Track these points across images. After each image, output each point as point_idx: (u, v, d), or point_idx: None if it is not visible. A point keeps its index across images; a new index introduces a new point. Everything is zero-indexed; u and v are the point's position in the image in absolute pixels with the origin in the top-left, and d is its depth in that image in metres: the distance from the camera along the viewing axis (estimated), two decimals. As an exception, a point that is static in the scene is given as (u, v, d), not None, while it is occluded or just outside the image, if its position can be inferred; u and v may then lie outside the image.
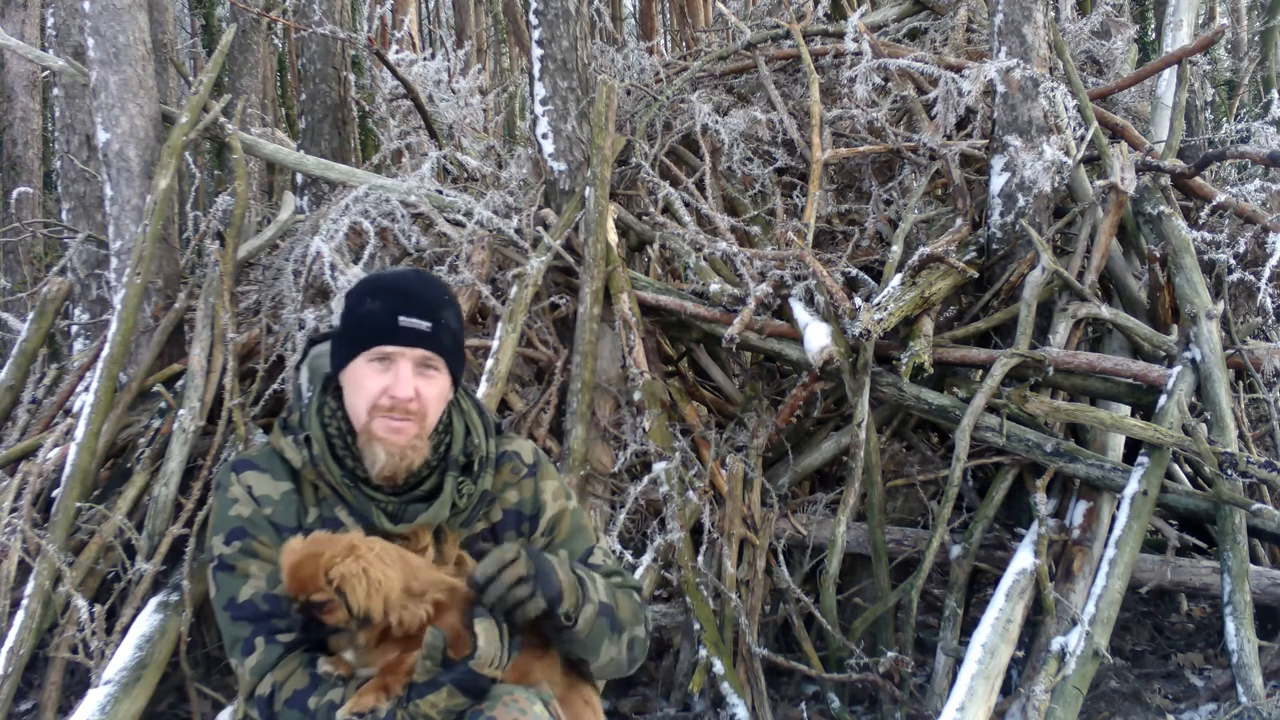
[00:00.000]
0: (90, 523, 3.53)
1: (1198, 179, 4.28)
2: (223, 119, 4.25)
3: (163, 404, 3.80)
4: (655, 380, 3.90)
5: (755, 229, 4.63)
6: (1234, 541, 3.37)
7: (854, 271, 4.14)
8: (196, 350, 3.75)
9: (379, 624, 1.74)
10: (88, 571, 3.43)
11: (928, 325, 3.81)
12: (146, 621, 3.28)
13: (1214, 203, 4.15)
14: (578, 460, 3.68)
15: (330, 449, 1.92)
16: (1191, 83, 5.03)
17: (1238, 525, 3.41)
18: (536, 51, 4.34)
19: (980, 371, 3.79)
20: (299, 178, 5.46)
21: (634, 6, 13.32)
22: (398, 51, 5.46)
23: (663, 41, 12.45)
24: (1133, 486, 3.42)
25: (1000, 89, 4.08)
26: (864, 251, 4.47)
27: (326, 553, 1.72)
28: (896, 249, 4.13)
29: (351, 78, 5.67)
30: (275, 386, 3.80)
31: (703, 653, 3.36)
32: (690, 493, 3.64)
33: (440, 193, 4.28)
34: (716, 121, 4.73)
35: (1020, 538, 3.58)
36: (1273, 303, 4.02)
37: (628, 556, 3.52)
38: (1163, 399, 3.58)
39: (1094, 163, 4.41)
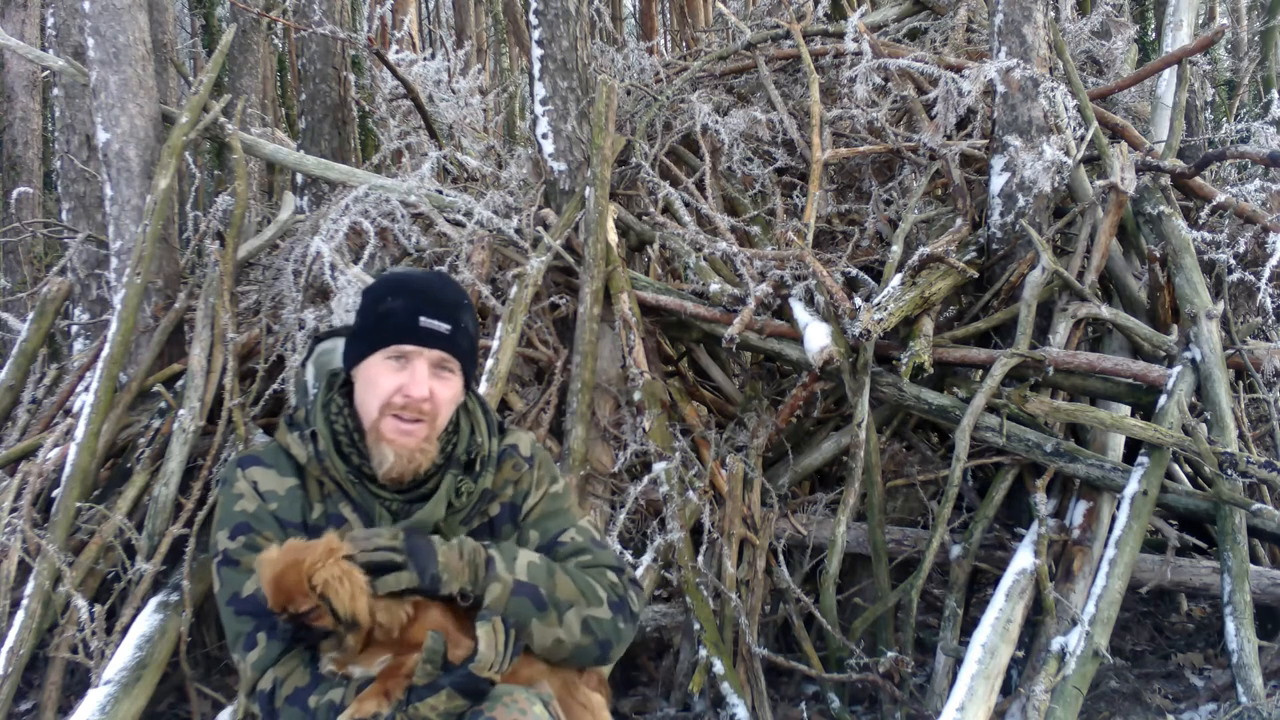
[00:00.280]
0: (90, 523, 3.53)
1: (1198, 179, 4.28)
2: (223, 119, 4.25)
3: (163, 404, 3.80)
4: (655, 380, 3.90)
5: (755, 229, 4.63)
6: (1234, 541, 3.37)
7: (854, 271, 4.14)
8: (196, 350, 3.75)
9: (366, 626, 1.74)
10: (88, 571, 3.43)
11: (928, 325, 3.81)
12: (146, 621, 3.28)
13: (1214, 203, 4.15)
14: (578, 460, 3.68)
15: (336, 445, 1.92)
16: (1191, 83, 5.02)
17: (1238, 525, 3.41)
18: (536, 51, 4.34)
19: (980, 371, 3.79)
20: (299, 178, 5.46)
21: (634, 6, 13.33)
22: (398, 51, 5.46)
23: (663, 41, 12.46)
24: (1133, 486, 3.42)
25: (1000, 89, 4.08)
26: (864, 251, 4.47)
27: (307, 560, 1.72)
28: (896, 249, 4.13)
29: (351, 78, 5.67)
30: (275, 386, 3.80)
31: (703, 653, 3.36)
32: (690, 493, 3.64)
33: (440, 193, 4.28)
34: (716, 121, 4.73)
35: (1020, 538, 3.58)
36: (1273, 303, 4.02)
37: (628, 556, 3.52)
38: (1163, 399, 3.58)
39: (1094, 163, 4.41)
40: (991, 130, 4.20)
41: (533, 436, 2.14)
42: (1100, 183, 4.03)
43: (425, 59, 5.57)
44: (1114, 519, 3.45)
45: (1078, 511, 3.58)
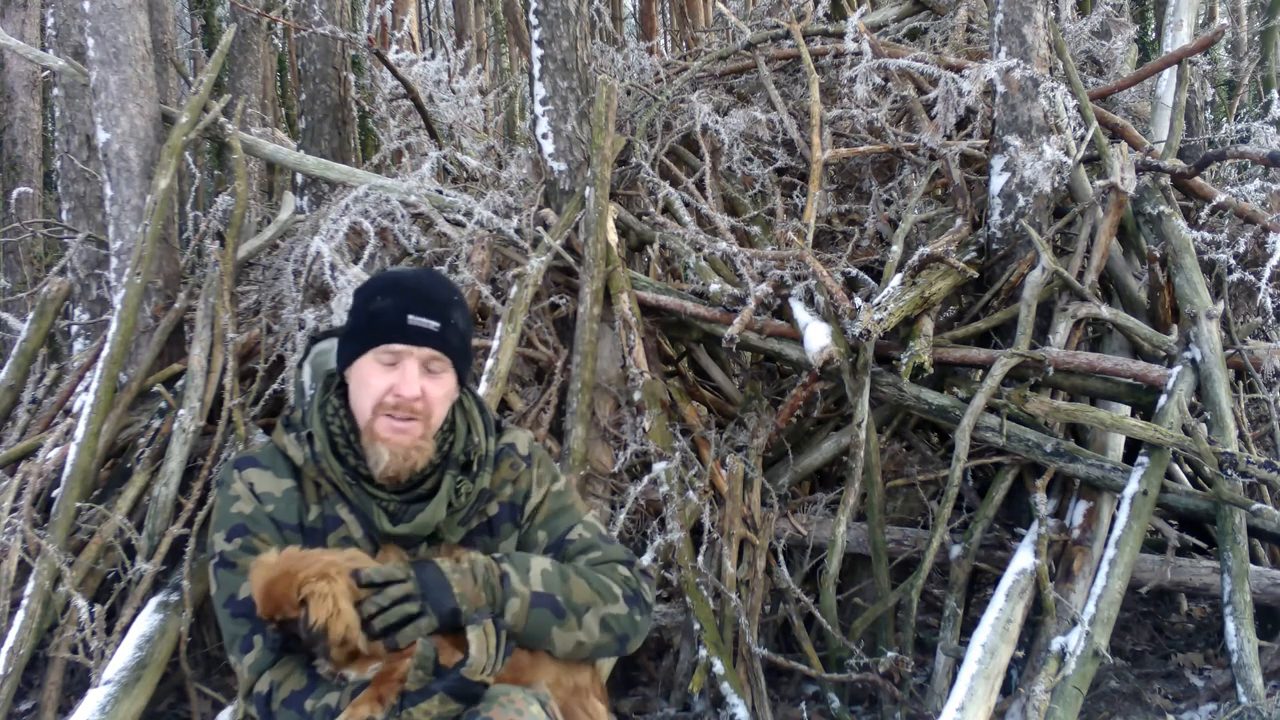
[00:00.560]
0: (90, 523, 3.53)
1: (1198, 179, 4.28)
2: (223, 119, 4.25)
3: (163, 404, 3.80)
4: (655, 380, 3.90)
5: (755, 229, 4.63)
6: (1234, 541, 3.37)
7: (854, 271, 4.14)
8: (196, 350, 3.75)
9: (348, 648, 1.74)
10: (88, 571, 3.43)
11: (928, 325, 3.81)
12: (146, 621, 3.28)
13: (1214, 203, 4.14)
14: (578, 460, 3.68)
15: (332, 446, 1.92)
16: (1191, 83, 5.02)
17: (1238, 525, 3.40)
18: (536, 51, 4.34)
19: (980, 371, 3.79)
20: (299, 178, 5.46)
21: (634, 6, 13.32)
22: (398, 51, 5.46)
23: (663, 41, 12.45)
24: (1133, 486, 3.42)
25: (1000, 89, 4.08)
26: (864, 251, 4.47)
27: (301, 572, 1.72)
28: (896, 249, 4.13)
29: (351, 78, 5.67)
30: (275, 386, 3.80)
31: (703, 653, 3.35)
32: (690, 493, 3.64)
33: (440, 193, 4.28)
34: (716, 121, 4.73)
35: (1020, 538, 3.57)
36: (1273, 303, 4.02)
37: (628, 556, 3.52)
38: (1163, 399, 3.58)
39: (1094, 163, 4.41)
40: (991, 130, 4.20)
41: (530, 435, 2.14)
42: (1100, 183, 4.03)
43: (425, 59, 5.57)
44: (1114, 519, 3.45)
45: (1078, 511, 3.58)
